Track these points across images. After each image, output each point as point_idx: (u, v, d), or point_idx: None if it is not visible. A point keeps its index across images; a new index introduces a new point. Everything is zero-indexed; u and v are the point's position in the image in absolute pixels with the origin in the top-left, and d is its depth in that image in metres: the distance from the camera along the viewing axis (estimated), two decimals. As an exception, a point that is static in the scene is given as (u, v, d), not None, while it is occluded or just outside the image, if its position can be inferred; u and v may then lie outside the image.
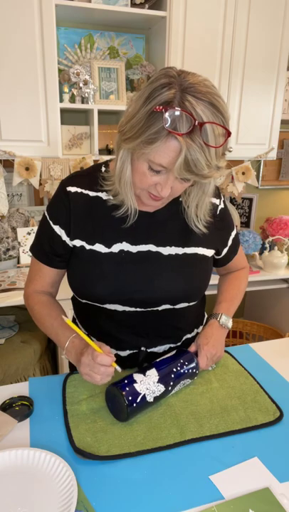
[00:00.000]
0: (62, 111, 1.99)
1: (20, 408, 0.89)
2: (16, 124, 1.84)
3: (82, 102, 2.02)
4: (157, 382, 0.86)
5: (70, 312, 1.13)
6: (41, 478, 0.70)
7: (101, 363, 0.80)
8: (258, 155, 2.32)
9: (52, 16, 1.76)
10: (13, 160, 1.91)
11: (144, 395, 0.83)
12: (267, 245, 2.35)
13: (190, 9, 1.96)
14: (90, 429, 0.81)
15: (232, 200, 2.73)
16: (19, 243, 2.12)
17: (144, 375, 0.85)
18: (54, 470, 0.71)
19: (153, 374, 0.86)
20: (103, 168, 0.93)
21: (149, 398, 0.84)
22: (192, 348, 0.99)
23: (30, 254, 1.01)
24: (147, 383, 0.84)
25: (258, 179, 2.76)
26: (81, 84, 1.99)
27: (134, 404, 0.81)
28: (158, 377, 0.86)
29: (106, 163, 0.94)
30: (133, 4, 1.96)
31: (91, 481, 0.71)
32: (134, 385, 0.82)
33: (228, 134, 0.73)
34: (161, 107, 0.69)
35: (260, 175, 2.77)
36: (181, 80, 0.71)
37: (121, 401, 0.81)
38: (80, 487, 0.69)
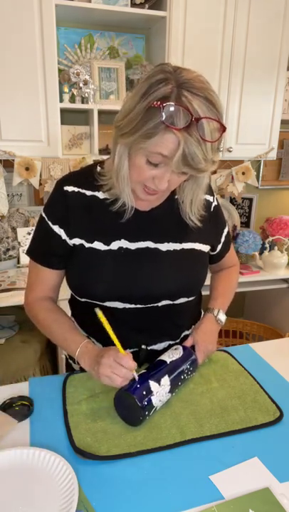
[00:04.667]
0: (62, 111, 1.99)
1: (20, 408, 0.89)
2: (16, 124, 1.84)
3: (82, 102, 2.02)
4: (168, 392, 0.86)
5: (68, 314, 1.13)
6: (42, 477, 0.70)
7: (126, 365, 0.80)
8: (258, 155, 2.32)
9: (52, 16, 1.76)
10: (13, 160, 1.91)
11: (157, 407, 0.84)
12: (267, 245, 2.35)
13: (190, 9, 1.96)
14: (90, 429, 0.81)
15: (232, 200, 2.73)
16: (19, 243, 2.12)
17: (160, 384, 0.84)
18: (54, 469, 0.71)
19: (166, 383, 0.86)
20: (98, 168, 0.93)
21: (158, 409, 0.85)
22: (188, 342, 0.99)
23: (28, 258, 0.99)
24: (161, 395, 0.84)
25: (258, 179, 2.76)
26: (81, 84, 1.99)
27: (148, 418, 0.83)
28: (170, 387, 0.87)
29: (101, 163, 0.95)
30: (133, 4, 1.96)
31: (91, 481, 0.71)
32: (152, 397, 0.82)
33: (223, 128, 0.74)
34: (158, 102, 0.71)
35: (260, 175, 2.77)
36: (177, 76, 0.73)
37: (136, 413, 0.80)
38: (80, 487, 0.69)
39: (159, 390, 0.84)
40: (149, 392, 0.82)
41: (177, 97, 0.71)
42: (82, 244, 0.92)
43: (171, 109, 0.70)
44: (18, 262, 2.13)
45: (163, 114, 0.70)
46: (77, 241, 0.92)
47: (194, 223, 0.95)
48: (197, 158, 0.73)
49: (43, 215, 0.95)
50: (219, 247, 1.07)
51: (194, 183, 0.90)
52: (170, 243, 0.94)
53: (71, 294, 1.04)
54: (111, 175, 0.86)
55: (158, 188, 0.80)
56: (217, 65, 2.08)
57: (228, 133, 2.21)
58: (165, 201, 0.95)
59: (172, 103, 0.70)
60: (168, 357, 0.92)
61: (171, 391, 0.87)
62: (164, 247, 0.94)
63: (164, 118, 0.70)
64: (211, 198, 1.01)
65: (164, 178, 0.79)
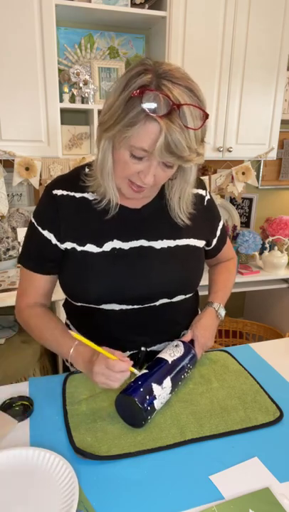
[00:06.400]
0: (62, 111, 1.99)
1: (20, 408, 0.89)
2: (16, 124, 1.84)
3: (82, 102, 2.02)
4: (169, 393, 0.87)
5: (62, 317, 1.12)
6: (42, 477, 0.70)
7: (119, 370, 0.79)
8: (258, 155, 2.32)
9: (52, 16, 1.76)
10: (13, 160, 1.91)
11: (158, 409, 0.84)
12: (267, 245, 2.35)
13: (190, 9, 1.95)
14: (90, 429, 0.81)
15: (232, 200, 2.73)
16: (19, 243, 2.12)
17: (162, 387, 0.84)
18: (54, 469, 0.71)
19: (168, 385, 0.86)
20: (86, 169, 0.92)
21: (159, 410, 0.86)
22: (187, 337, 0.99)
23: (20, 265, 0.99)
24: (163, 397, 0.84)
25: (258, 179, 2.76)
26: (81, 84, 1.99)
27: (149, 421, 0.83)
28: (171, 389, 0.87)
29: (89, 165, 0.93)
30: (133, 4, 1.96)
31: (91, 481, 0.71)
32: (154, 402, 0.82)
33: (206, 116, 0.74)
34: (138, 91, 0.71)
35: (260, 175, 2.77)
36: (157, 67, 0.73)
37: (139, 417, 0.80)
38: (80, 487, 0.69)
39: (162, 393, 0.84)
40: (152, 396, 0.82)
41: (157, 86, 0.71)
42: (74, 248, 0.90)
43: (151, 96, 0.70)
44: (18, 262, 2.13)
45: (143, 101, 0.70)
46: (68, 245, 0.91)
47: (183, 221, 0.94)
48: (181, 146, 0.72)
49: (33, 220, 0.94)
50: (215, 241, 1.07)
51: (182, 179, 0.89)
52: (164, 240, 0.93)
53: (65, 298, 1.02)
54: (96, 173, 0.86)
55: (144, 182, 0.79)
56: (217, 65, 2.08)
57: (228, 133, 2.21)
58: (156, 198, 0.94)
59: (152, 91, 0.70)
60: (169, 355, 0.91)
61: (171, 391, 0.87)
62: (158, 244, 0.93)
63: (144, 105, 0.70)
64: (203, 192, 1.01)
65: (149, 172, 0.77)
